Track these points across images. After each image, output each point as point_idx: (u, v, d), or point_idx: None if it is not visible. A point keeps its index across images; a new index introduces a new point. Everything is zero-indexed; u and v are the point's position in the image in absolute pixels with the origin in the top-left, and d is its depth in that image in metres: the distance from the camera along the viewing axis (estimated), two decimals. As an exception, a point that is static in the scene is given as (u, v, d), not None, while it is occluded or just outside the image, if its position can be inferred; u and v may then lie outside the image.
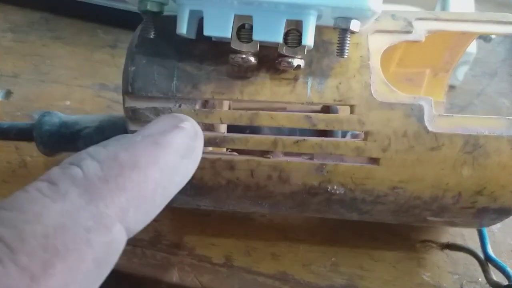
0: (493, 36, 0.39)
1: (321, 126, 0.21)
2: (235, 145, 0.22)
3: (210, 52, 0.22)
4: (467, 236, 0.30)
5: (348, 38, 0.20)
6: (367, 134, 0.21)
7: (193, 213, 0.31)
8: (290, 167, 0.22)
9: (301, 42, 0.19)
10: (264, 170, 0.22)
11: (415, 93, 0.33)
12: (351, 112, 0.21)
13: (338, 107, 0.26)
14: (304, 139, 0.21)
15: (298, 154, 0.22)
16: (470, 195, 0.22)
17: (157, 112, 0.21)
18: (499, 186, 0.22)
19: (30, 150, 0.34)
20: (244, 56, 0.20)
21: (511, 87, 0.40)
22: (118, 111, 0.34)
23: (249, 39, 0.19)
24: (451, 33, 0.27)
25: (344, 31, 0.20)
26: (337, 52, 0.20)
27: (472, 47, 0.36)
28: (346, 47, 0.20)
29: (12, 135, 0.31)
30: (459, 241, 0.30)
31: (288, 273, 0.30)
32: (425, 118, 0.21)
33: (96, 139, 0.28)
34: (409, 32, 0.23)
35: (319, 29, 0.22)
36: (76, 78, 0.39)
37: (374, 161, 0.22)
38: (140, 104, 0.21)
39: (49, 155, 0.31)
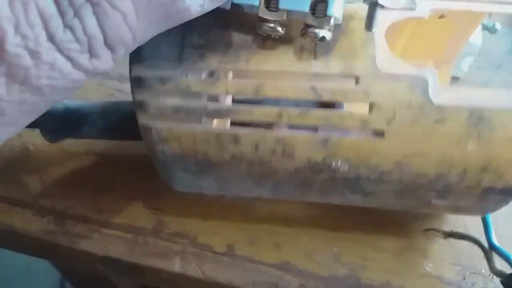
0: (498, 28, 0.39)
1: (327, 97, 0.21)
2: (240, 115, 0.22)
3: (217, 22, 0.22)
4: (470, 226, 0.29)
5: (377, 12, 0.20)
6: (372, 105, 0.21)
7: (196, 202, 0.31)
8: (294, 140, 0.22)
9: (327, 13, 0.19)
10: (268, 143, 0.22)
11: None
12: (356, 82, 0.21)
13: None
14: (309, 110, 0.21)
15: (303, 128, 0.22)
16: (476, 172, 0.22)
17: (163, 81, 0.21)
18: (504, 162, 0.22)
19: (33, 138, 0.34)
20: (272, 25, 0.20)
21: None
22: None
23: (276, 8, 0.19)
24: (454, 19, 0.28)
25: (373, 5, 0.20)
26: (365, 26, 0.20)
27: (478, 39, 0.36)
28: (374, 21, 0.20)
29: None
30: (462, 231, 0.29)
31: (290, 263, 0.29)
32: (430, 90, 0.21)
33: (101, 124, 0.28)
34: (412, 9, 0.23)
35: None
36: None
37: (379, 133, 0.21)
38: (146, 73, 0.21)
39: (53, 141, 0.31)
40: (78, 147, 0.34)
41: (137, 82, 0.22)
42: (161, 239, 0.30)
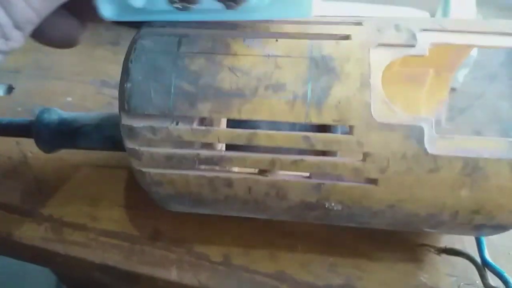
0: None
1: (319, 147, 0.21)
2: (233, 164, 0.22)
3: (208, 68, 0.21)
4: (466, 241, 0.30)
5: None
6: (365, 155, 0.21)
7: (193, 212, 0.32)
8: (287, 185, 0.22)
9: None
10: (261, 187, 0.22)
11: (419, 92, 0.32)
12: (350, 132, 0.21)
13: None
14: (302, 159, 0.21)
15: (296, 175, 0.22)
16: (467, 213, 0.23)
17: (154, 131, 0.21)
18: (497, 206, 0.22)
19: (31, 146, 0.34)
20: None
21: (510, 90, 0.40)
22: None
23: None
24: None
25: None
26: None
27: (473, 50, 0.36)
28: None
29: (11, 132, 0.31)
30: (457, 245, 0.30)
31: (286, 273, 0.30)
32: (425, 139, 0.21)
33: (95, 137, 0.28)
34: (412, 45, 0.22)
35: (319, 42, 0.22)
36: (78, 75, 0.39)
37: (372, 181, 0.22)
38: (137, 122, 0.21)
39: (48, 151, 0.31)
40: (75, 156, 0.34)
41: (128, 132, 0.21)
42: (157, 248, 0.31)
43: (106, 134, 0.28)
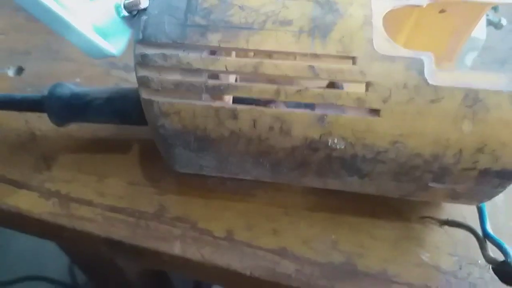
0: (504, 23, 0.39)
1: (324, 76, 0.22)
2: (239, 92, 0.22)
3: (219, 5, 0.23)
4: (467, 216, 0.29)
5: None
6: (368, 85, 0.22)
7: (197, 188, 0.32)
8: (292, 117, 0.22)
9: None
10: (266, 120, 0.23)
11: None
12: (353, 63, 0.22)
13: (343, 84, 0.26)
14: (307, 88, 0.22)
15: (300, 105, 0.23)
16: (471, 153, 0.22)
17: (165, 58, 0.22)
18: (500, 144, 0.22)
19: (39, 124, 0.35)
20: None
21: None
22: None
23: None
24: (454, 14, 0.28)
25: None
26: None
27: (481, 33, 0.36)
28: None
29: (25, 106, 0.32)
30: (459, 220, 0.29)
31: (287, 249, 0.30)
32: (425, 71, 0.22)
33: (106, 110, 0.29)
34: (411, -4, 0.24)
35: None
36: (86, 56, 0.40)
37: (375, 112, 0.22)
38: (149, 50, 0.22)
39: (60, 125, 0.32)
40: (83, 132, 0.35)
41: (140, 59, 0.22)
42: (162, 223, 0.31)
43: (116, 108, 0.29)
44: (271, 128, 0.23)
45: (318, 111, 0.22)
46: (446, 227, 0.29)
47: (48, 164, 0.34)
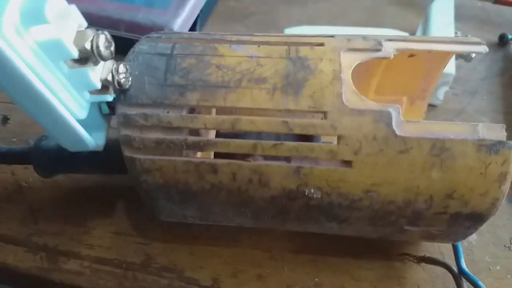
0: (473, 55, 0.41)
1: (297, 131, 0.23)
2: (218, 148, 0.23)
3: (197, 65, 0.24)
4: (445, 252, 0.30)
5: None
6: (339, 138, 0.23)
7: (183, 236, 0.32)
8: (269, 170, 0.23)
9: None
10: (245, 173, 0.24)
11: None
12: (324, 118, 0.23)
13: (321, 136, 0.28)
14: (282, 143, 0.23)
15: (277, 158, 0.24)
16: (442, 198, 0.24)
17: (146, 118, 0.23)
18: (468, 189, 0.23)
19: (26, 175, 0.36)
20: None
21: (490, 105, 0.41)
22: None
23: None
24: (423, 58, 0.30)
25: None
26: None
27: (451, 68, 0.38)
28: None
29: (10, 159, 0.32)
30: (437, 257, 0.30)
31: (273, 294, 0.30)
32: (393, 123, 0.23)
33: (91, 161, 0.30)
34: (378, 50, 0.25)
35: (296, 47, 0.25)
36: None
37: (347, 163, 0.23)
38: (131, 110, 0.23)
39: (47, 176, 0.32)
40: (69, 182, 0.35)
41: (122, 119, 0.23)
42: (149, 274, 0.31)
43: (101, 159, 0.30)
44: (250, 180, 0.24)
45: (294, 164, 0.23)
46: (423, 264, 0.30)
47: (35, 217, 0.34)
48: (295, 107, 0.23)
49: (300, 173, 0.23)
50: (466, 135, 0.23)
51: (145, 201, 0.27)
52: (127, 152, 0.24)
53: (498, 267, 0.31)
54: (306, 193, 0.24)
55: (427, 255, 0.30)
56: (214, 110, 0.28)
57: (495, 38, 0.47)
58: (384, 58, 0.25)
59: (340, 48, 0.25)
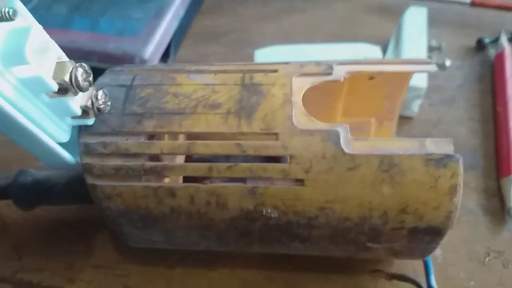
0: (448, 64, 0.41)
1: (250, 152, 0.24)
2: (175, 172, 0.24)
3: (155, 94, 0.25)
4: (419, 270, 0.30)
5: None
6: (291, 157, 0.24)
7: (159, 267, 0.33)
8: (226, 191, 0.24)
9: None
10: (202, 195, 0.24)
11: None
12: (276, 139, 0.24)
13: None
14: (236, 164, 0.24)
15: (234, 180, 0.25)
16: (396, 214, 0.24)
17: (105, 146, 0.24)
18: (420, 203, 0.24)
19: (9, 211, 0.36)
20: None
21: (467, 113, 0.41)
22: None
23: None
24: (383, 80, 0.31)
25: None
26: None
27: (422, 81, 0.38)
28: None
29: None
30: (411, 274, 0.30)
31: (248, 322, 0.30)
32: (342, 141, 0.24)
33: (67, 194, 0.31)
34: (329, 74, 0.26)
35: (250, 74, 0.26)
36: None
37: (300, 182, 0.24)
38: (91, 139, 0.24)
39: (26, 210, 0.33)
40: (51, 217, 0.36)
41: (83, 148, 0.24)
42: None
43: (75, 191, 0.31)
44: (208, 203, 0.25)
45: (249, 184, 0.24)
46: (395, 280, 0.30)
47: (19, 253, 0.34)
48: (248, 130, 0.24)
49: (256, 193, 0.24)
50: (414, 150, 0.23)
51: (111, 228, 0.27)
52: (89, 180, 0.25)
53: (472, 283, 0.31)
54: (264, 213, 0.25)
55: (398, 272, 0.30)
56: (182, 136, 0.29)
57: (473, 43, 0.47)
58: (335, 81, 0.26)
59: (292, 73, 0.26)
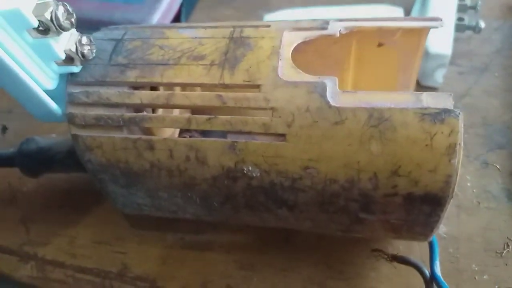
0: (482, 26, 0.35)
1: (231, 104, 0.23)
2: (153, 123, 0.23)
3: (141, 46, 0.25)
4: (424, 255, 0.27)
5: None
6: (272, 110, 0.22)
7: (157, 245, 0.33)
8: (205, 145, 0.23)
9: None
10: (181, 149, 0.23)
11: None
12: (258, 91, 0.22)
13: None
14: (216, 117, 0.23)
15: (213, 134, 0.23)
16: (387, 176, 0.22)
17: (88, 95, 0.24)
18: (414, 165, 0.21)
19: (20, 185, 0.38)
20: None
21: (503, 84, 0.35)
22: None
23: None
24: (394, 47, 0.29)
25: None
26: None
27: (446, 48, 0.34)
28: None
29: None
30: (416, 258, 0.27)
31: (242, 304, 0.29)
32: (328, 94, 0.22)
33: (69, 162, 0.31)
34: (324, 28, 0.25)
35: (241, 28, 0.25)
36: None
37: (281, 137, 0.22)
38: (75, 89, 0.24)
39: (34, 177, 0.34)
40: (58, 191, 0.37)
41: (67, 98, 0.24)
42: (124, 283, 0.31)
43: (77, 159, 0.31)
44: (187, 158, 0.23)
45: (229, 139, 0.23)
46: (396, 263, 0.27)
47: (27, 227, 0.35)
48: (230, 81, 0.23)
49: (236, 148, 0.23)
50: (407, 104, 0.21)
51: (98, 186, 0.27)
52: (72, 130, 0.25)
53: (485, 277, 0.27)
54: (245, 171, 0.23)
55: (399, 253, 0.27)
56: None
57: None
58: (329, 35, 0.24)
59: (284, 28, 0.25)
